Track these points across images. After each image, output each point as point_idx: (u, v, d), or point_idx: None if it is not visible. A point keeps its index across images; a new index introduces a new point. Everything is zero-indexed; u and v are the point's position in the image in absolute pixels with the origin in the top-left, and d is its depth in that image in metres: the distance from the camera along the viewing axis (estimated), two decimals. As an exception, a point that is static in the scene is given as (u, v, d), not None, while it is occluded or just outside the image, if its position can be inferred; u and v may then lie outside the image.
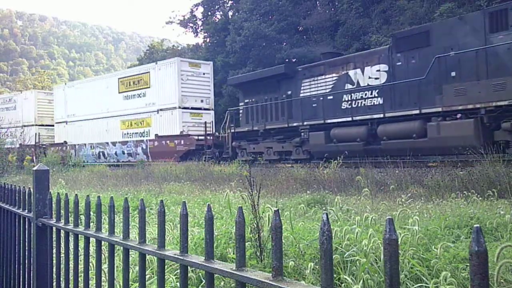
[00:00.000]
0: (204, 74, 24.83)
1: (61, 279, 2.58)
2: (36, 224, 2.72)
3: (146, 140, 25.25)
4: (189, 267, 1.62)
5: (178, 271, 1.91)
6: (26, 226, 2.93)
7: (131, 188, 12.32)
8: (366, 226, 4.85)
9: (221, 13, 41.27)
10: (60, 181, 13.01)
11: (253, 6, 34.45)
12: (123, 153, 26.79)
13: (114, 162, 26.49)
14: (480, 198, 7.48)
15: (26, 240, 2.92)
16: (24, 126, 33.00)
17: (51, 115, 33.10)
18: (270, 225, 2.10)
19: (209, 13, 42.03)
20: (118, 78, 27.63)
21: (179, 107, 23.68)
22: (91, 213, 2.76)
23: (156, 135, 24.55)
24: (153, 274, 3.59)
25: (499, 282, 3.17)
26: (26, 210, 2.93)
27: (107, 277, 2.12)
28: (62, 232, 2.52)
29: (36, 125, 32.98)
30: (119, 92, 27.29)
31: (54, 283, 2.62)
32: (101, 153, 28.04)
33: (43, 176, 2.79)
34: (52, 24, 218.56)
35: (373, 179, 10.65)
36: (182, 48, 47.69)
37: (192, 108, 24.15)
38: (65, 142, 30.44)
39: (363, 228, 4.51)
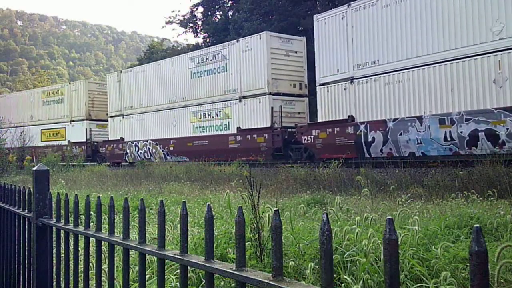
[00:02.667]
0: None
1: (61, 279, 2.58)
2: (36, 224, 2.72)
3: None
4: (189, 267, 1.62)
5: (178, 271, 1.92)
6: (26, 226, 2.93)
7: (131, 188, 12.33)
8: (366, 226, 4.86)
9: (221, 13, 41.28)
10: (60, 181, 13.02)
11: (253, 6, 34.44)
12: None
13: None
14: (480, 198, 7.48)
15: (26, 240, 2.92)
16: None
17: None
18: (270, 225, 2.10)
19: (209, 13, 42.04)
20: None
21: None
22: (91, 213, 2.76)
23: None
24: (153, 274, 3.59)
25: (499, 282, 3.17)
26: (26, 210, 2.93)
27: (107, 277, 2.12)
28: (62, 232, 2.52)
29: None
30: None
31: (54, 283, 2.62)
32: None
33: (43, 176, 2.79)
34: (52, 24, 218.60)
35: (373, 179, 10.65)
36: (182, 48, 47.69)
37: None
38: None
39: (363, 228, 4.51)
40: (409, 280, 3.50)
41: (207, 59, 21.88)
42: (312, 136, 16.91)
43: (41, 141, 31.71)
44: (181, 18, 43.78)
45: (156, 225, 2.71)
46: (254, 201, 4.02)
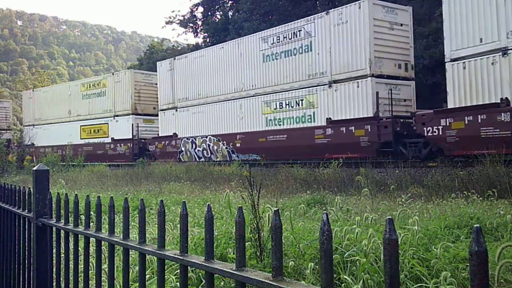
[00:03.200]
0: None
1: (61, 279, 2.58)
2: (36, 224, 2.72)
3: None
4: (189, 267, 1.62)
5: (178, 271, 1.91)
6: (26, 226, 2.93)
7: (131, 188, 12.33)
8: (366, 226, 4.86)
9: (221, 13, 41.27)
10: (60, 181, 13.02)
11: (253, 6, 34.45)
12: None
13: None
14: (480, 198, 7.49)
15: (26, 240, 2.92)
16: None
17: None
18: (270, 225, 2.10)
19: (209, 13, 42.03)
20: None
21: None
22: (91, 213, 2.76)
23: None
24: (153, 274, 3.59)
25: (499, 282, 3.17)
26: (26, 210, 2.93)
27: (107, 277, 2.12)
28: (62, 232, 2.52)
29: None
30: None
31: (54, 283, 2.62)
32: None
33: (43, 176, 2.79)
34: (52, 24, 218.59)
35: (373, 179, 10.65)
36: (182, 48, 47.70)
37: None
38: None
39: (363, 228, 4.51)
40: (409, 280, 3.50)
41: (284, 38, 18.20)
42: (440, 127, 13.34)
43: (81, 139, 28.92)
44: (181, 18, 43.78)
45: (156, 225, 2.71)
46: (254, 201, 4.03)
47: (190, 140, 22.37)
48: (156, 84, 25.41)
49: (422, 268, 3.58)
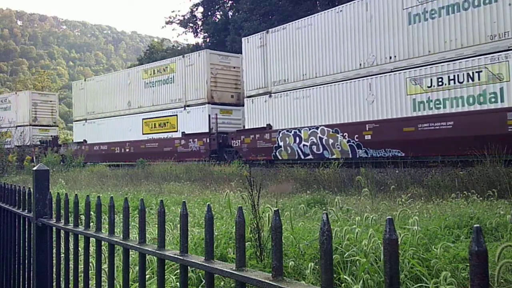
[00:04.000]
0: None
1: (61, 279, 2.58)
2: (36, 224, 2.72)
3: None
4: (189, 267, 1.62)
5: (178, 271, 1.91)
6: (26, 226, 2.93)
7: (131, 188, 12.33)
8: (366, 226, 4.86)
9: (221, 13, 41.28)
10: (60, 181, 13.02)
11: (253, 6, 34.45)
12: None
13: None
14: (480, 198, 7.49)
15: (26, 240, 2.92)
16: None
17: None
18: (270, 225, 2.10)
19: (209, 13, 42.05)
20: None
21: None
22: (91, 213, 2.76)
23: None
24: (153, 274, 3.59)
25: (499, 282, 3.17)
26: (26, 210, 2.93)
27: (107, 277, 2.12)
28: (62, 232, 2.52)
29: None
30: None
31: (54, 283, 2.62)
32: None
33: (43, 176, 2.79)
34: (52, 24, 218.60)
35: (373, 179, 10.65)
36: (182, 48, 47.70)
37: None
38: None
39: (363, 228, 4.51)
40: (409, 280, 3.50)
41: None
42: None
43: (143, 134, 24.84)
44: (181, 18, 43.81)
45: (156, 225, 2.71)
46: (254, 201, 4.03)
47: (292, 132, 17.66)
48: (235, 67, 22.42)
49: (422, 268, 3.58)
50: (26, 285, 2.90)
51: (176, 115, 23.25)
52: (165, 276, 1.91)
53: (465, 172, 10.14)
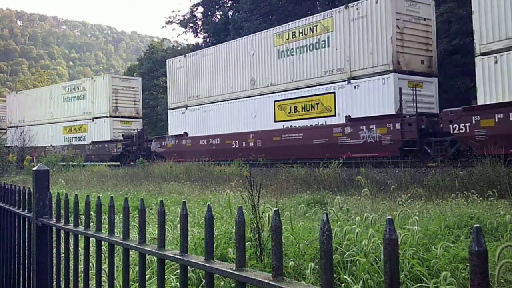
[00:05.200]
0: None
1: (61, 279, 2.58)
2: (36, 224, 2.72)
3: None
4: (189, 267, 1.62)
5: (178, 271, 1.91)
6: (26, 226, 2.93)
7: (131, 188, 12.33)
8: (366, 226, 4.85)
9: (221, 13, 41.29)
10: (60, 181, 13.02)
11: (253, 6, 34.46)
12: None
13: None
14: (480, 198, 7.48)
15: (26, 240, 2.92)
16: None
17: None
18: (270, 225, 2.10)
19: (209, 13, 42.07)
20: None
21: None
22: (91, 213, 2.76)
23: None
24: (153, 274, 3.59)
25: (499, 282, 3.17)
26: (26, 210, 2.93)
27: (107, 277, 2.12)
28: (62, 232, 2.52)
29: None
30: None
31: (54, 283, 2.62)
32: None
33: (43, 176, 2.79)
34: (52, 24, 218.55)
35: (373, 179, 10.65)
36: (182, 48, 47.70)
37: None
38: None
39: (363, 228, 4.51)
40: (409, 280, 3.50)
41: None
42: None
43: (276, 122, 18.93)
44: (181, 18, 43.84)
45: (156, 225, 2.71)
46: (254, 201, 4.03)
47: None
48: (425, 19, 16.32)
49: (422, 268, 3.58)
50: (26, 285, 2.90)
51: (334, 92, 17.14)
52: (165, 276, 1.91)
53: (465, 172, 10.14)
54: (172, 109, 24.61)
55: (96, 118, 28.87)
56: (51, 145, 31.58)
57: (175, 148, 22.74)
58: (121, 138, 27.27)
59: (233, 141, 20.28)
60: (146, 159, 22.80)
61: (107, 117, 28.25)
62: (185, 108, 23.67)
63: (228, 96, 21.32)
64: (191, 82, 23.36)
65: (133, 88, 29.60)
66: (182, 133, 23.10)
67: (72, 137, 30.46)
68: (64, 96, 31.51)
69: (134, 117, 29.41)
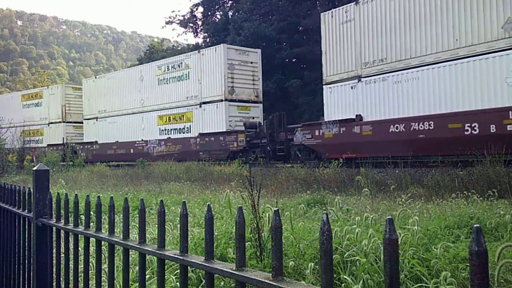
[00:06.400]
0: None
1: (61, 279, 2.58)
2: (36, 224, 2.72)
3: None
4: (189, 267, 1.62)
5: (178, 271, 1.91)
6: (26, 226, 2.93)
7: (131, 188, 12.33)
8: (366, 226, 4.85)
9: (221, 13, 41.29)
10: (60, 181, 13.02)
11: (253, 6, 34.47)
12: None
13: None
14: (480, 198, 7.48)
15: (26, 240, 2.92)
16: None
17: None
18: (270, 225, 2.10)
19: (209, 13, 42.09)
20: None
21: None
22: (91, 213, 2.76)
23: None
24: (153, 274, 3.59)
25: (499, 282, 3.17)
26: (26, 210, 2.93)
27: (107, 277, 2.12)
28: (62, 232, 2.52)
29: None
30: None
31: (54, 283, 2.62)
32: None
33: (43, 176, 2.79)
34: (52, 24, 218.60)
35: (373, 179, 10.65)
36: (182, 48, 47.69)
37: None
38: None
39: (363, 228, 4.50)
40: (409, 280, 3.50)
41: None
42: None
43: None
44: (181, 18, 43.86)
45: (156, 225, 2.71)
46: (254, 201, 4.03)
47: None
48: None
49: (422, 268, 3.58)
50: (26, 285, 2.90)
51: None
52: (165, 276, 1.91)
53: (465, 172, 10.14)
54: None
55: (205, 103, 22.83)
56: (142, 140, 25.97)
57: (338, 138, 16.44)
58: (243, 128, 21.30)
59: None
60: (283, 155, 18.40)
61: (221, 101, 21.97)
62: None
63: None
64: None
65: (251, 63, 22.99)
66: (354, 117, 16.19)
67: (171, 129, 24.55)
68: (159, 78, 25.34)
69: (253, 101, 22.84)
